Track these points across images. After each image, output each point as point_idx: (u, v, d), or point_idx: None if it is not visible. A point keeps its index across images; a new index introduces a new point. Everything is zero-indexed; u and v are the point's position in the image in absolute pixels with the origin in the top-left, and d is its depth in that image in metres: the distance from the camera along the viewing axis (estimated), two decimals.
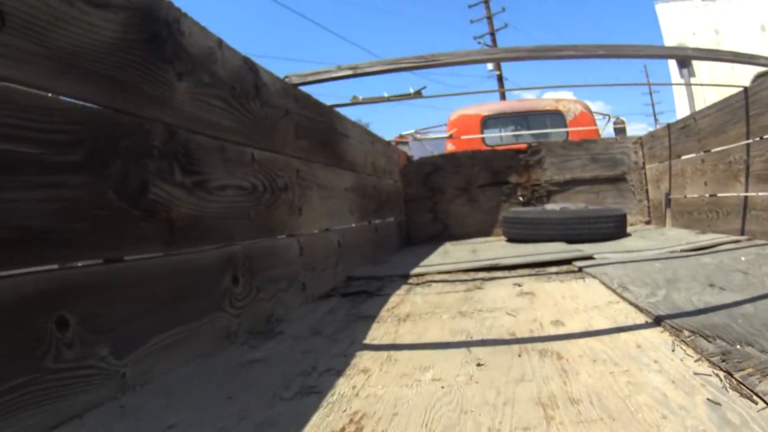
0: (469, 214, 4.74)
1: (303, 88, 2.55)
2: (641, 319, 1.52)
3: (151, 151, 1.34)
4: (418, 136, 6.88)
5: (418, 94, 3.51)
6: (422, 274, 2.74)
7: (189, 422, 0.99)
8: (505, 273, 2.64)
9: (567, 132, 6.36)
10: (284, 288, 2.02)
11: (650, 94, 42.33)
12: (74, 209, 1.07)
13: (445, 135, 6.51)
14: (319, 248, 2.46)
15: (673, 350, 1.18)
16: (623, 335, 1.37)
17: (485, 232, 4.67)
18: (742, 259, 2.32)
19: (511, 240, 4.05)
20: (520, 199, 4.73)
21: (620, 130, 6.65)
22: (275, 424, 0.95)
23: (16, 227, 0.94)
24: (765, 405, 0.81)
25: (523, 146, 4.93)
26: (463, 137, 6.25)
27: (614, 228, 3.76)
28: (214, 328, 1.50)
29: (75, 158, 1.08)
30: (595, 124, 6.48)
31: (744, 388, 0.88)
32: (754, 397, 0.84)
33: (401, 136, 6.89)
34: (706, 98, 7.99)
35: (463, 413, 0.94)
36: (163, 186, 1.36)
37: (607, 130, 6.56)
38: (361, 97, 3.50)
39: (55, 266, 1.04)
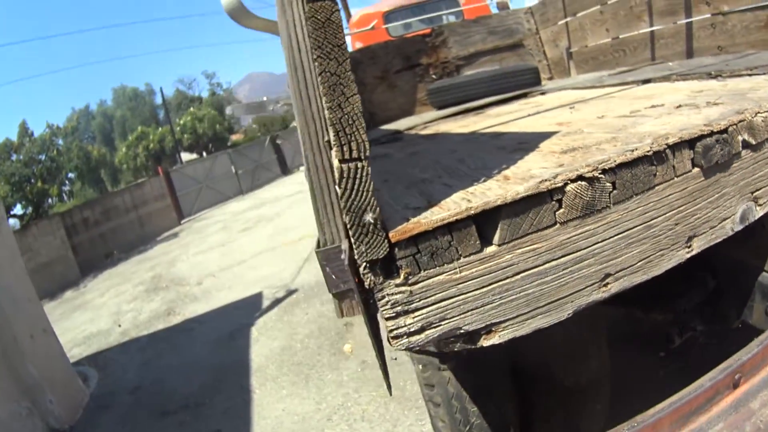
0: (392, 98, 4.96)
1: None
2: None
3: None
4: None
5: None
6: (414, 126, 2.94)
7: None
8: (488, 111, 2.91)
9: (462, 12, 6.77)
10: None
11: None
12: None
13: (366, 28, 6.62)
14: None
15: None
16: None
17: (408, 112, 4.93)
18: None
19: (441, 108, 4.32)
20: (434, 77, 5.04)
21: (504, 7, 7.18)
22: None
23: None
24: None
25: (428, 31, 5.22)
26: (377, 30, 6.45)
27: (533, 77, 4.18)
28: None
29: None
30: (486, 1, 6.98)
31: None
32: None
33: None
34: None
35: None
36: None
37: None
38: None
39: None
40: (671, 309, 1.34)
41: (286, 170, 23.95)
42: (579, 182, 0.89)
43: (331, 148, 0.90)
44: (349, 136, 0.80)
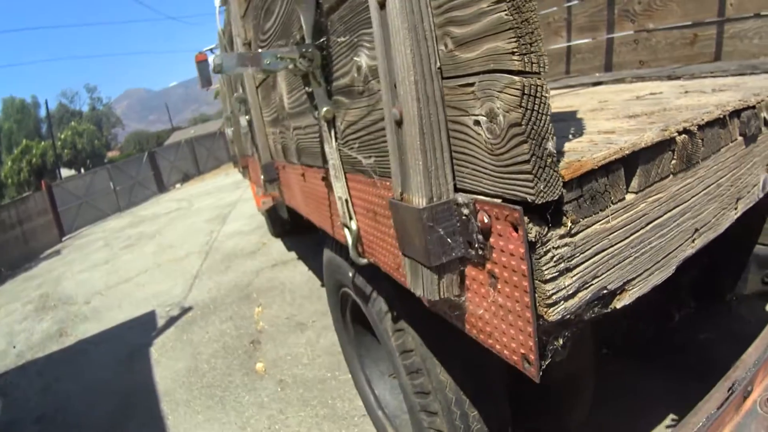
0: None
1: None
2: None
3: None
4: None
5: None
6: None
7: None
8: None
9: None
10: None
11: None
12: None
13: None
14: None
15: None
16: None
17: None
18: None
19: None
20: None
21: None
22: None
23: None
24: None
25: None
26: None
27: None
28: None
29: None
30: None
31: None
32: None
33: (201, 53, 6.54)
34: None
35: None
36: None
37: None
38: None
39: None
40: (673, 285, 1.42)
41: (162, 188, 24.06)
42: (684, 135, 0.87)
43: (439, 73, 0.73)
44: (530, 46, 0.65)
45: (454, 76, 0.73)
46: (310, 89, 1.35)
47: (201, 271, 6.90)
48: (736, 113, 1.02)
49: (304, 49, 1.23)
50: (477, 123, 0.70)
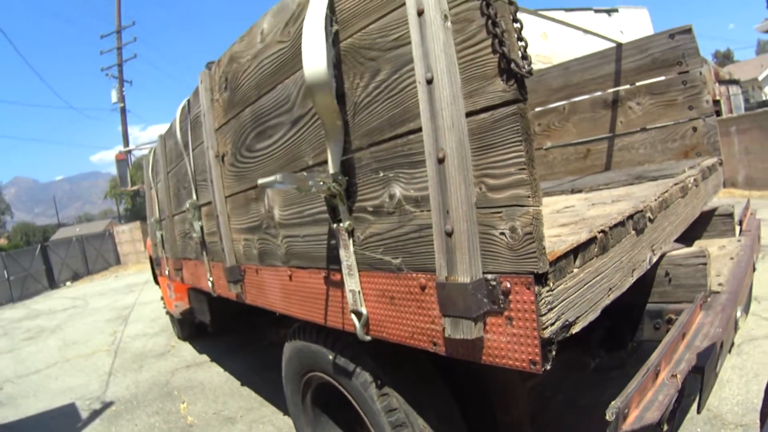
0: None
1: None
2: None
3: None
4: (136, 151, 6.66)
5: None
6: None
7: None
8: None
9: None
10: None
11: None
12: None
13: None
14: None
15: None
16: None
17: None
18: None
19: None
20: None
21: None
22: None
23: None
24: None
25: None
26: None
27: None
28: None
29: None
30: None
31: None
32: None
33: (121, 154, 6.61)
34: None
35: None
36: None
37: None
38: None
39: None
40: (586, 341, 2.07)
41: (53, 283, 24.25)
42: (601, 234, 1.55)
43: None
44: (536, 190, 1.29)
45: (486, 207, 1.35)
46: (333, 205, 1.90)
47: (114, 369, 6.98)
48: (630, 217, 1.72)
49: (337, 176, 1.80)
50: (502, 233, 1.31)
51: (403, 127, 1.53)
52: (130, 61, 26.74)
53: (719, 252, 2.68)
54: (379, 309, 1.77)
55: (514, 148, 1.25)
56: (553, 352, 1.32)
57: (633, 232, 1.74)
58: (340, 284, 1.94)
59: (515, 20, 1.29)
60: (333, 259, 1.98)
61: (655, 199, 1.96)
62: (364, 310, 1.82)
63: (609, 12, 13.60)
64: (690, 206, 2.50)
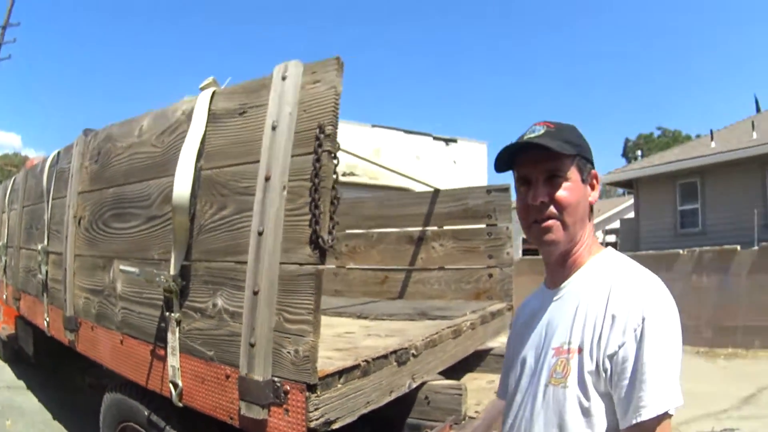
0: None
1: None
2: None
3: None
4: None
5: None
6: None
7: None
8: None
9: None
10: None
11: None
12: None
13: None
14: None
15: None
16: None
17: None
18: None
19: None
20: None
21: None
22: None
23: None
24: None
25: None
26: None
27: None
28: None
29: None
30: None
31: None
32: None
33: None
34: None
35: None
36: None
37: None
38: None
39: None
40: None
41: None
42: (365, 362, 2.12)
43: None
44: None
45: (281, 331, 1.86)
46: (169, 298, 2.33)
47: None
48: (394, 351, 2.32)
49: (176, 278, 2.25)
50: (289, 352, 1.83)
51: (234, 257, 2.04)
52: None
53: (487, 385, 3.28)
54: (192, 384, 2.22)
55: (307, 297, 1.80)
56: None
57: (395, 363, 2.32)
58: (164, 358, 2.34)
59: (333, 203, 1.86)
60: (160, 338, 2.39)
61: (423, 340, 2.58)
62: (180, 383, 2.26)
63: (447, 141, 14.49)
64: (462, 346, 3.11)
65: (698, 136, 28.90)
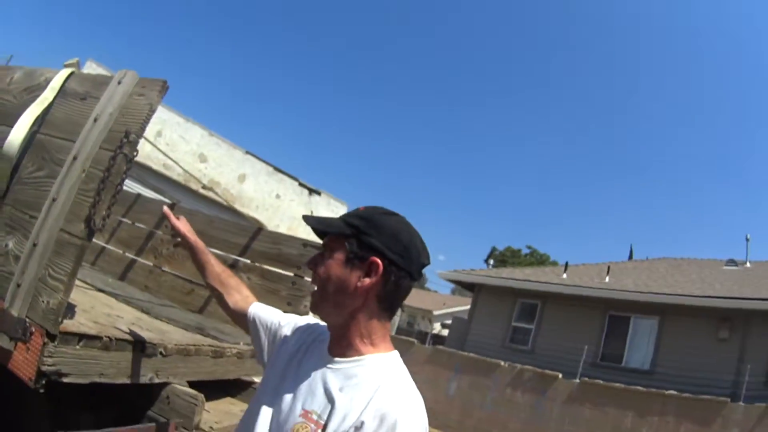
0: None
1: None
2: None
3: None
4: None
5: None
6: None
7: None
8: None
9: None
10: None
11: None
12: None
13: None
14: None
15: None
16: None
17: None
18: None
19: None
20: None
21: None
22: None
23: None
24: None
25: None
26: None
27: None
28: None
29: None
30: None
31: None
32: None
33: None
34: None
35: None
36: None
37: None
38: None
39: None
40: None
41: None
42: (107, 337, 2.53)
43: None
44: None
45: (42, 284, 2.28)
46: None
47: None
48: (141, 342, 2.71)
49: None
50: (43, 302, 2.24)
51: (31, 212, 2.41)
52: None
53: (237, 411, 3.29)
54: None
55: (69, 262, 2.19)
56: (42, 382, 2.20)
57: (140, 352, 2.63)
58: None
59: (115, 196, 2.28)
60: None
61: (175, 345, 2.90)
62: None
63: (311, 191, 14.95)
64: (223, 368, 3.35)
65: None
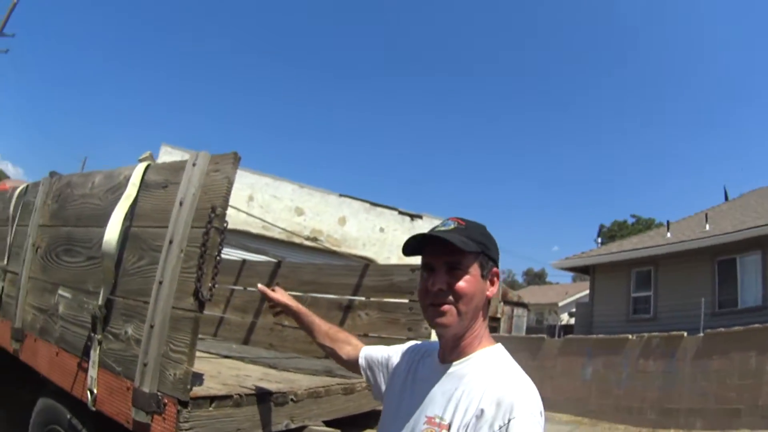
0: None
1: None
2: None
3: None
4: None
5: None
6: None
7: None
8: None
9: None
10: None
11: None
12: None
13: None
14: None
15: None
16: None
17: None
18: None
19: None
20: None
21: None
22: None
23: None
24: None
25: None
26: None
27: None
28: None
29: None
30: None
31: None
32: None
33: None
34: None
35: None
36: None
37: None
38: None
39: None
40: None
41: None
42: (237, 395, 2.76)
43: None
44: None
45: (165, 357, 2.53)
46: (95, 322, 2.97)
47: None
48: (270, 393, 2.95)
49: (102, 308, 2.90)
50: (170, 374, 2.49)
51: (142, 298, 2.66)
52: None
53: None
54: (103, 392, 2.77)
55: (186, 335, 2.42)
56: None
57: (272, 403, 2.82)
58: (86, 370, 2.91)
59: (216, 267, 2.53)
60: (86, 353, 2.98)
61: (306, 390, 3.08)
62: (95, 390, 2.84)
63: (413, 217, 14.87)
64: (355, 402, 3.52)
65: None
